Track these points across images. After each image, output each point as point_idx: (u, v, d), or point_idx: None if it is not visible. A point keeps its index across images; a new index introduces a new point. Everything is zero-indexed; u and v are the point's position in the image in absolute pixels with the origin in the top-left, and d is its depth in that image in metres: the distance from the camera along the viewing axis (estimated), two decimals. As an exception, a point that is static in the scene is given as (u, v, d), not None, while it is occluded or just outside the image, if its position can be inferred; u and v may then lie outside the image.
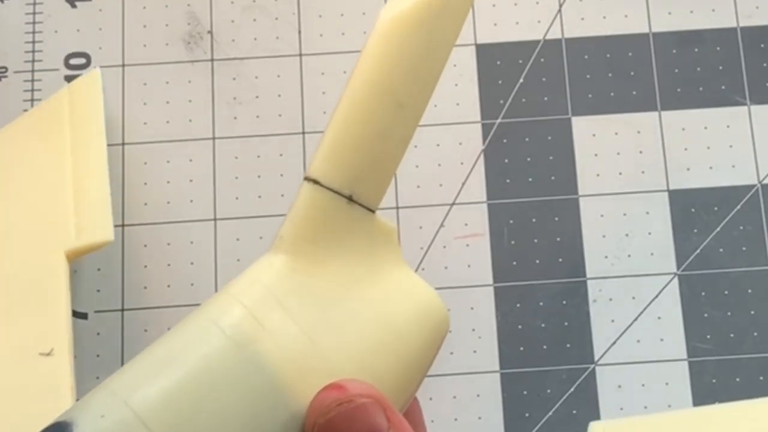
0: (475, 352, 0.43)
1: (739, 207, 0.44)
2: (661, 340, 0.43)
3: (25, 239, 0.41)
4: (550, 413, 0.42)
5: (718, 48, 0.46)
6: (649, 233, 0.44)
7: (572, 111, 0.46)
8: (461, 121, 0.45)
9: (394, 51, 0.30)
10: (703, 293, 0.43)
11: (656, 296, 0.43)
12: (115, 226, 0.42)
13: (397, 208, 0.44)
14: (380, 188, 0.30)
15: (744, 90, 0.46)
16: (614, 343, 0.43)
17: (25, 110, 0.45)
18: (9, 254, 0.41)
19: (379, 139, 0.30)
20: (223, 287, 0.29)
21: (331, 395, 0.27)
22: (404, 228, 0.44)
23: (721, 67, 0.46)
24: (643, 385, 0.42)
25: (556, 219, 0.44)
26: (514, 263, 0.44)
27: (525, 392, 0.42)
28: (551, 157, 0.45)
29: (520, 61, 0.46)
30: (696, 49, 0.46)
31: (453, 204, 0.45)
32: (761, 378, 0.42)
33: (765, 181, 0.45)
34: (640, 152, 0.45)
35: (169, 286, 0.44)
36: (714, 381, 0.42)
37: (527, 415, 0.42)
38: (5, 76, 0.46)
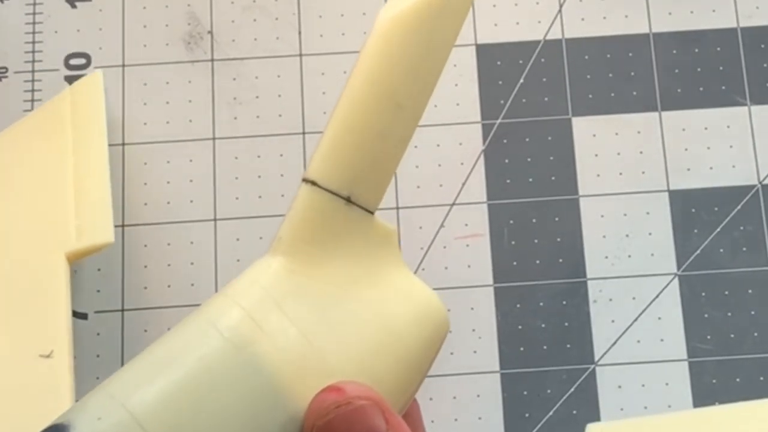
0: (475, 352, 0.43)
1: (739, 207, 0.44)
2: (662, 340, 0.43)
3: (26, 240, 0.41)
4: (550, 413, 0.42)
5: (718, 48, 0.46)
6: (650, 233, 0.44)
7: (572, 111, 0.45)
8: (461, 121, 0.45)
9: (394, 51, 0.30)
10: (703, 293, 0.43)
11: (656, 296, 0.43)
12: (115, 226, 0.42)
13: (397, 208, 0.44)
14: (379, 189, 0.30)
15: (744, 90, 0.46)
16: (614, 343, 0.43)
17: (26, 110, 0.45)
18: (9, 255, 0.41)
19: (378, 140, 0.30)
20: (222, 289, 0.29)
21: (330, 397, 0.27)
22: (404, 228, 0.44)
23: (721, 67, 0.46)
24: (643, 385, 0.42)
25: (556, 219, 0.44)
26: (514, 263, 0.44)
27: (525, 392, 0.42)
28: (551, 157, 0.45)
29: (521, 62, 0.46)
30: (696, 49, 0.46)
31: (453, 204, 0.45)
32: (761, 378, 0.42)
33: (765, 181, 0.45)
34: (640, 152, 0.45)
35: (169, 286, 0.44)
36: (714, 381, 0.42)
37: (527, 415, 0.42)
38: (5, 76, 0.46)
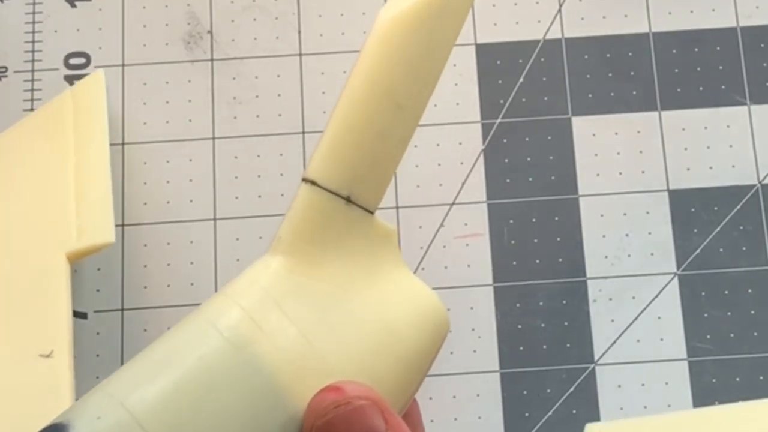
0: (474, 351, 0.43)
1: (739, 207, 0.44)
2: (661, 340, 0.43)
3: (27, 240, 0.41)
4: (550, 413, 0.42)
5: (718, 48, 0.46)
6: (649, 233, 0.44)
7: (572, 111, 0.45)
8: (461, 121, 0.45)
9: (394, 51, 0.30)
10: (703, 293, 0.43)
11: (656, 296, 0.43)
12: (115, 225, 0.41)
13: (397, 207, 0.44)
14: (379, 189, 0.30)
15: (744, 90, 0.46)
16: (614, 342, 0.43)
17: (25, 110, 0.45)
18: (10, 255, 0.41)
19: (377, 140, 0.30)
20: (222, 289, 0.29)
21: (329, 397, 0.27)
22: (404, 228, 0.44)
23: (721, 67, 0.46)
24: (642, 384, 0.42)
25: (556, 219, 0.44)
26: (514, 263, 0.44)
27: (525, 392, 0.42)
28: (551, 157, 0.45)
29: (520, 61, 0.46)
30: (696, 49, 0.46)
31: (453, 204, 0.45)
32: (761, 378, 0.42)
33: (765, 181, 0.45)
34: (640, 152, 0.45)
35: (168, 285, 0.44)
36: (714, 381, 0.42)
37: (527, 414, 0.42)
38: (5, 76, 0.46)
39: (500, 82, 0.46)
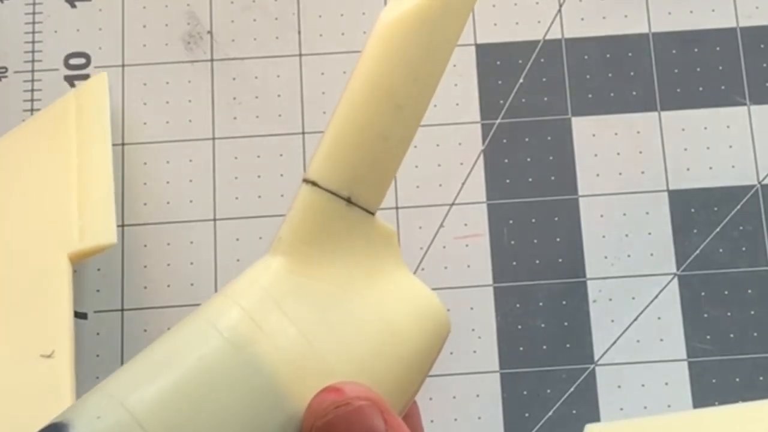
0: (474, 352, 0.43)
1: (739, 207, 0.44)
2: (661, 340, 0.43)
3: (29, 241, 0.41)
4: (550, 413, 0.42)
5: (718, 48, 0.46)
6: (649, 233, 0.44)
7: (572, 111, 0.45)
8: (461, 121, 0.45)
9: (394, 53, 0.30)
10: (703, 293, 0.43)
11: (656, 296, 0.43)
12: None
13: (397, 208, 0.44)
14: (380, 190, 0.30)
15: (744, 90, 0.46)
16: (614, 343, 0.43)
17: (25, 110, 0.45)
18: (12, 255, 0.41)
19: (378, 141, 0.30)
20: (221, 289, 0.29)
21: (329, 398, 0.27)
22: (404, 228, 0.44)
23: (721, 67, 0.46)
24: (642, 385, 0.42)
25: (556, 219, 0.44)
26: (514, 263, 0.44)
27: (525, 392, 0.42)
28: (551, 157, 0.45)
29: (520, 61, 0.46)
30: (696, 49, 0.46)
31: (453, 204, 0.45)
32: (761, 378, 0.42)
33: (765, 181, 0.45)
34: (640, 152, 0.45)
35: (169, 286, 0.44)
36: (714, 381, 0.42)
37: (527, 415, 0.42)
38: (5, 76, 0.46)
39: (500, 82, 0.46)
